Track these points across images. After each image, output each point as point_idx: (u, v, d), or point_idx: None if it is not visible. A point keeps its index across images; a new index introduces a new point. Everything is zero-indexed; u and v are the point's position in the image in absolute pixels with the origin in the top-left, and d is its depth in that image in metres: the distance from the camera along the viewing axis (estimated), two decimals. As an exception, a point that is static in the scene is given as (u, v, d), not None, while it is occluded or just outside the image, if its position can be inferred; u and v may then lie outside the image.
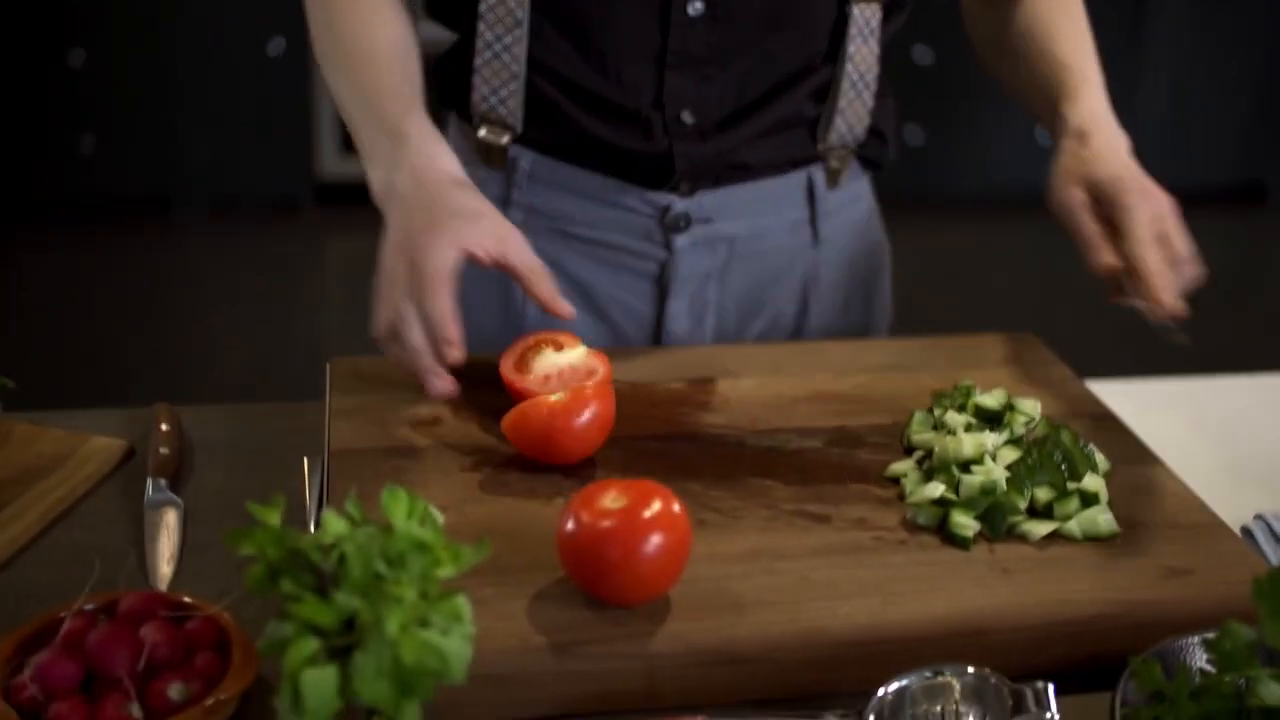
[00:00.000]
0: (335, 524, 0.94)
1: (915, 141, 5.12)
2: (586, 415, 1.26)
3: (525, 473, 1.28)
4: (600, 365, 1.37)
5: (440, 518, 0.99)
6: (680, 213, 1.58)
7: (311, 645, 0.91)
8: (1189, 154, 5.24)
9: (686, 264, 1.60)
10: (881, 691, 1.02)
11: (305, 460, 1.38)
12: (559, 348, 1.38)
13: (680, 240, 1.59)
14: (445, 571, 0.97)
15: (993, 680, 1.02)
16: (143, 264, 4.69)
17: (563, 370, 1.36)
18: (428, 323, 1.26)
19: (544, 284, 1.31)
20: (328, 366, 1.47)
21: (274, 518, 0.94)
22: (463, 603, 0.97)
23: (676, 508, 1.09)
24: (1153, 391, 1.64)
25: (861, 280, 1.74)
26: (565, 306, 1.31)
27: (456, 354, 1.26)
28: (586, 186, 1.59)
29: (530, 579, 1.13)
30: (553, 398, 1.26)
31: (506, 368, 1.36)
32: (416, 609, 0.93)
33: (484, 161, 1.60)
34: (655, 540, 1.06)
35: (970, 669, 1.03)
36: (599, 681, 1.07)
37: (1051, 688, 1.01)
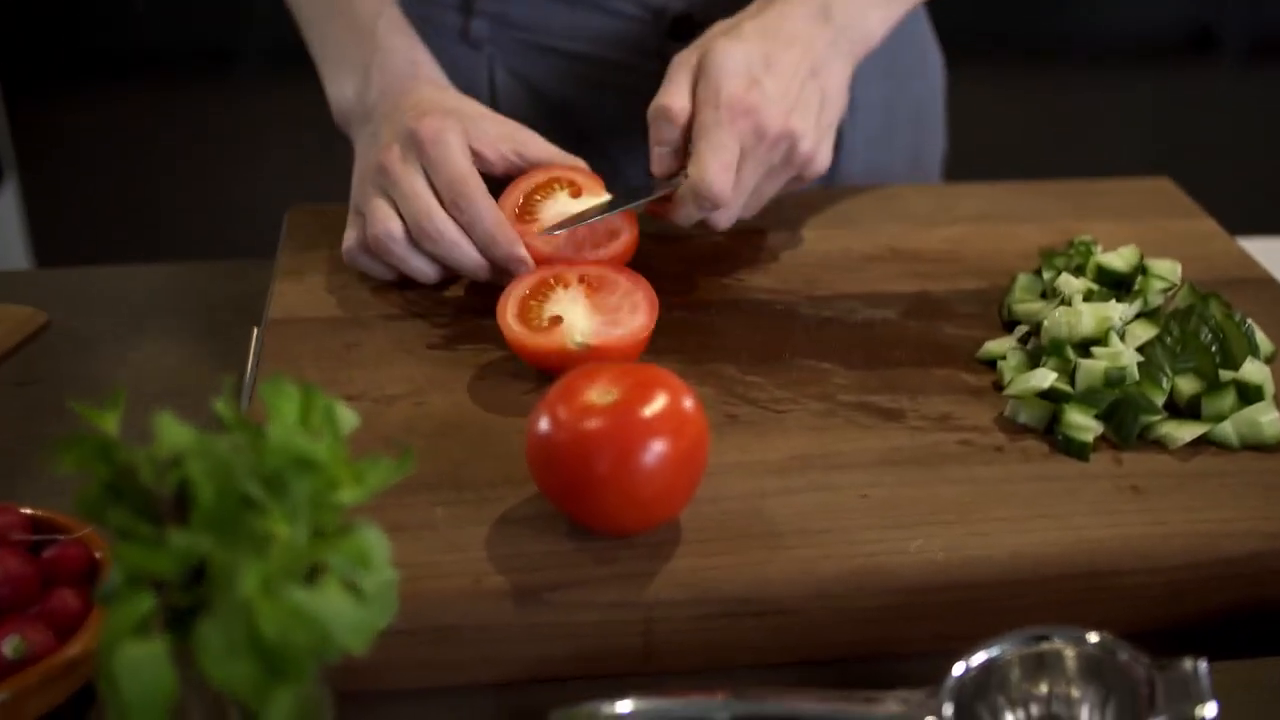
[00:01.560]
0: (173, 430, 0.66)
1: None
2: (618, 355, 0.97)
3: (511, 356, 1.00)
4: (626, 226, 1.08)
5: (354, 419, 0.72)
6: (680, 12, 1.28)
7: (140, 606, 0.64)
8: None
9: None
10: (962, 666, 0.72)
11: (255, 331, 1.09)
12: (576, 191, 1.09)
13: (679, 50, 1.27)
14: (347, 496, 0.70)
15: (1122, 654, 0.72)
16: (202, 121, 4.42)
17: (576, 228, 1.06)
18: (478, 239, 1.05)
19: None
20: (285, 217, 1.19)
21: (108, 422, 0.68)
22: (373, 539, 0.70)
23: (689, 403, 0.81)
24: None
25: (908, 100, 1.45)
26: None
27: (529, 266, 1.05)
28: None
29: (497, 496, 0.86)
30: (570, 344, 0.96)
31: (505, 210, 1.06)
32: (289, 554, 0.65)
33: None
34: (658, 447, 0.78)
35: (1091, 635, 0.73)
36: (579, 639, 0.80)
37: (1204, 666, 0.71)
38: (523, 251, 1.02)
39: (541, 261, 1.03)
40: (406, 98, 1.09)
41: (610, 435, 0.79)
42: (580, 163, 1.10)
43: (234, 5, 4.61)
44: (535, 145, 1.09)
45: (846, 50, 1.12)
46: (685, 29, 1.27)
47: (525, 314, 0.98)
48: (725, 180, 1.03)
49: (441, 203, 1.04)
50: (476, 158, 1.06)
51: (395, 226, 1.04)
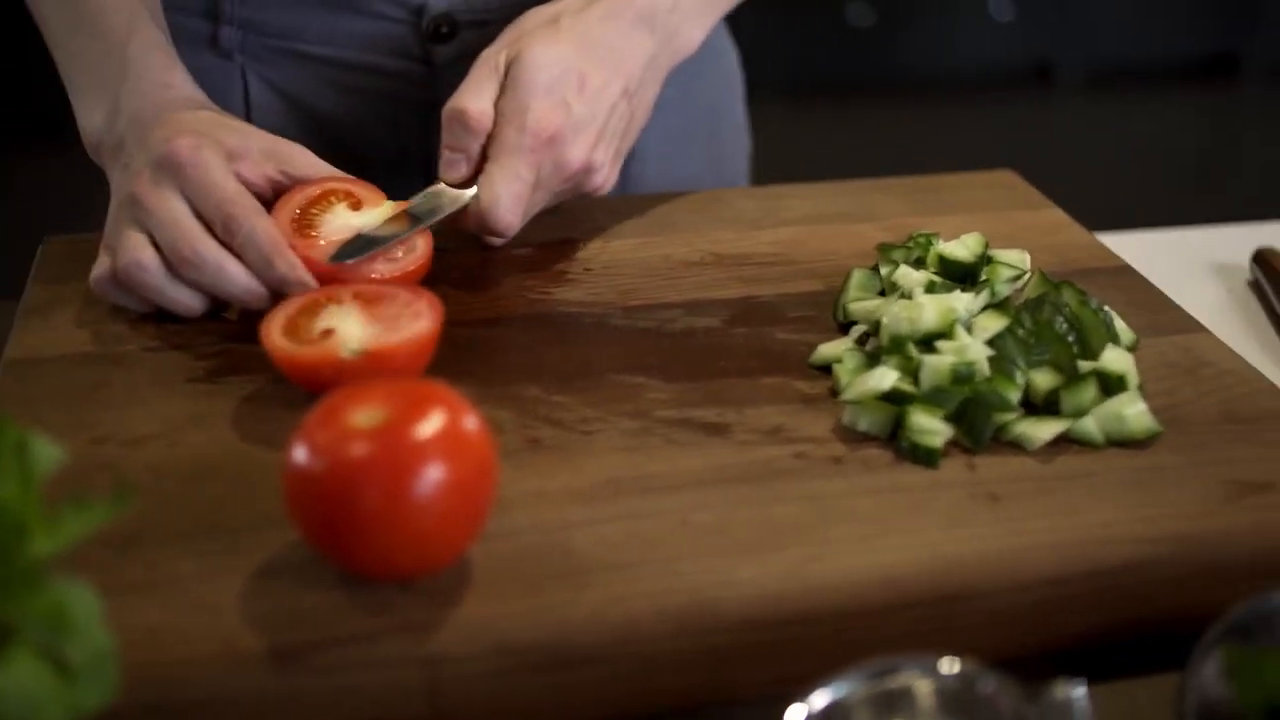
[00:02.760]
0: None
1: (864, 22, 4.71)
2: (398, 363, 0.85)
3: (284, 381, 0.87)
4: (420, 238, 0.96)
5: (55, 454, 0.59)
6: (440, 13, 1.17)
7: None
8: (1154, 24, 4.85)
9: (455, 84, 1.18)
10: (801, 711, 0.61)
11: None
12: (355, 203, 0.97)
13: (444, 53, 1.18)
14: (40, 547, 0.57)
15: (984, 685, 0.61)
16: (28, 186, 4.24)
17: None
18: (253, 261, 0.92)
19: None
20: (39, 249, 1.06)
21: None
22: (75, 597, 0.57)
23: (470, 422, 0.69)
24: (1163, 244, 1.22)
25: (702, 99, 1.35)
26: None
27: (310, 286, 0.92)
28: None
29: (257, 544, 0.73)
30: (343, 353, 0.83)
31: (280, 228, 0.93)
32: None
33: None
34: (434, 474, 0.66)
35: (946, 661, 0.62)
36: (353, 706, 0.68)
37: (1081, 691, 0.60)
38: (304, 273, 0.90)
39: (325, 281, 0.91)
40: (158, 122, 0.97)
41: (377, 462, 0.66)
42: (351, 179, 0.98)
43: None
44: (302, 161, 0.97)
45: (665, 64, 1.04)
46: (447, 30, 1.16)
47: (293, 330, 0.85)
48: (516, 213, 0.97)
49: (208, 227, 0.91)
50: (243, 180, 0.94)
51: (148, 255, 0.92)
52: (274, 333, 0.85)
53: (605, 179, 1.01)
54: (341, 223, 0.95)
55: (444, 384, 0.71)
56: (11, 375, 0.89)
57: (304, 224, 0.94)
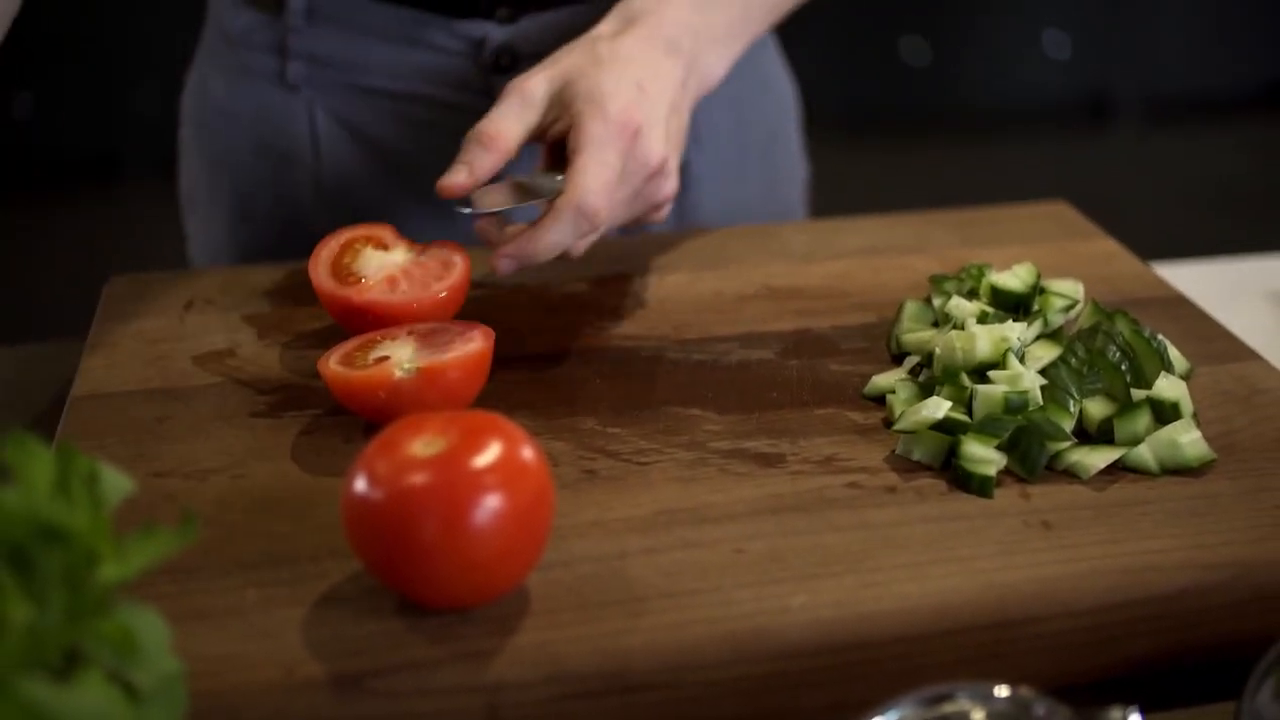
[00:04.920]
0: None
1: (920, 59, 4.71)
2: (451, 380, 0.86)
3: (343, 416, 0.89)
4: (457, 257, 0.97)
5: (125, 485, 0.60)
6: (500, 45, 1.19)
7: None
8: (1209, 56, 4.82)
9: None
10: (856, 735, 0.61)
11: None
12: (381, 245, 0.98)
13: (505, 84, 1.17)
14: (109, 574, 0.58)
15: (1038, 709, 0.61)
16: (91, 228, 4.28)
17: (407, 269, 0.96)
18: None
19: None
20: (103, 289, 1.08)
21: None
22: (143, 621, 0.58)
23: (528, 451, 0.70)
24: (1218, 274, 1.22)
25: (757, 127, 1.35)
26: None
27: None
28: (379, 21, 1.20)
29: (319, 573, 0.74)
30: (397, 373, 0.85)
31: (322, 278, 0.95)
32: (30, 640, 0.54)
33: (248, 1, 1.21)
34: (492, 503, 0.67)
35: (1001, 688, 0.62)
36: (412, 731, 0.67)
37: (1137, 716, 0.60)
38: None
39: (374, 316, 0.92)
40: None
41: (436, 491, 0.68)
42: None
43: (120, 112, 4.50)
44: None
45: (693, 90, 1.04)
46: (508, 61, 1.17)
47: (349, 362, 0.87)
48: (605, 198, 0.93)
49: None
50: None
51: None
52: (330, 362, 0.86)
53: (673, 189, 1.00)
54: (377, 263, 0.96)
55: (501, 415, 0.72)
56: (77, 411, 0.90)
57: (343, 273, 0.96)
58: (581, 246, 0.96)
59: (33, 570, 0.56)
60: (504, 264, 0.93)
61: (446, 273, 0.95)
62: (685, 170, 1.27)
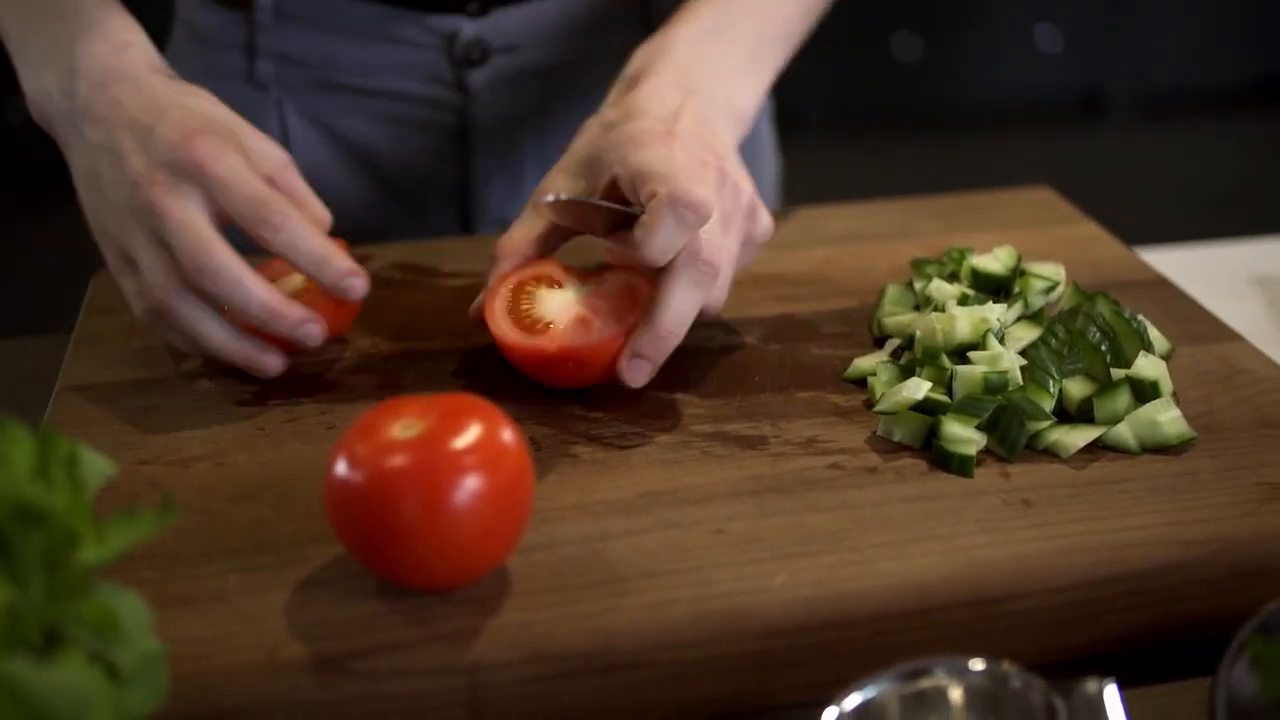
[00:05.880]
0: None
1: (911, 55, 4.71)
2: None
3: (327, 403, 0.89)
4: (640, 281, 0.90)
5: (105, 467, 0.60)
6: (471, 39, 1.18)
7: None
8: (1201, 51, 4.83)
9: (489, 109, 1.19)
10: (834, 713, 0.62)
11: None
12: (554, 283, 0.92)
13: (477, 78, 1.20)
14: (89, 555, 0.58)
15: (1014, 682, 0.62)
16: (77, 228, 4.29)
17: (592, 304, 0.90)
18: (221, 297, 0.87)
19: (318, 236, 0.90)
20: (91, 280, 1.08)
21: None
22: (122, 602, 0.58)
23: (507, 433, 0.70)
24: (1205, 260, 1.22)
25: None
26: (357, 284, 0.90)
27: (313, 327, 0.89)
28: (350, 18, 1.19)
29: (300, 558, 0.75)
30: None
31: (506, 331, 0.89)
32: (9, 620, 0.54)
33: (215, 0, 1.20)
34: (471, 483, 0.68)
35: (978, 662, 0.63)
36: (394, 714, 0.69)
37: (1112, 687, 0.61)
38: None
39: (566, 358, 0.88)
40: (114, 88, 0.91)
41: (416, 472, 0.68)
42: (318, 207, 0.95)
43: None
44: (295, 176, 0.94)
45: (723, 114, 0.97)
46: (479, 55, 1.17)
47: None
48: (706, 188, 0.84)
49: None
50: (219, 186, 0.88)
51: (167, 278, 0.88)
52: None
53: (771, 221, 0.94)
54: (557, 304, 0.90)
55: (481, 398, 0.72)
56: (64, 402, 0.91)
57: (525, 321, 0.89)
58: (718, 296, 0.91)
59: (12, 551, 0.57)
60: (634, 369, 0.87)
61: (633, 300, 0.89)
62: None
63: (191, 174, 0.86)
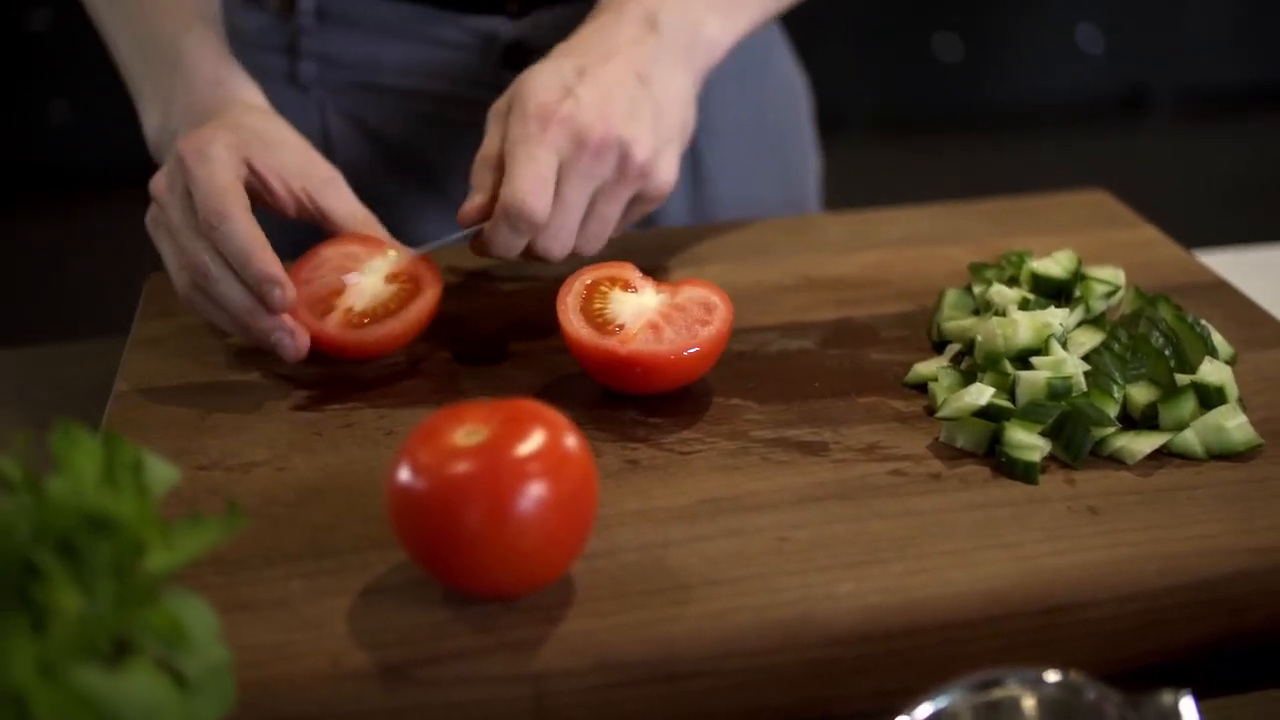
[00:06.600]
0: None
1: (952, 56, 4.69)
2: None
3: (385, 408, 0.89)
4: (716, 297, 0.91)
5: (170, 474, 0.60)
6: (511, 40, 1.19)
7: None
8: (1244, 49, 4.79)
9: None
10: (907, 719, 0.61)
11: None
12: (628, 286, 0.92)
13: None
14: (156, 562, 0.58)
15: (1089, 693, 0.61)
16: (122, 235, 4.29)
17: (666, 314, 0.90)
18: (231, 260, 0.90)
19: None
20: (144, 285, 1.08)
21: None
22: (190, 610, 0.58)
23: (571, 440, 0.69)
24: (1260, 262, 1.21)
25: (772, 120, 1.35)
26: None
27: (288, 293, 0.89)
28: (390, 19, 1.20)
29: (362, 564, 0.74)
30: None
31: (577, 328, 0.89)
32: (78, 629, 0.54)
33: (259, 2, 1.21)
34: (536, 491, 0.67)
35: (1051, 673, 0.62)
36: (458, 720, 0.67)
37: (1188, 699, 0.60)
38: (277, 270, 0.89)
39: (635, 364, 0.87)
40: (205, 118, 0.97)
41: (480, 480, 0.67)
42: (375, 224, 0.98)
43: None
44: (333, 193, 0.97)
45: (682, 58, 0.99)
46: (518, 56, 1.17)
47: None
48: (540, 195, 0.90)
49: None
50: (264, 188, 0.95)
51: (179, 270, 0.93)
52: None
53: (652, 161, 0.94)
54: (632, 308, 0.90)
55: (543, 403, 0.72)
56: (121, 406, 0.91)
57: (597, 320, 0.89)
58: (555, 250, 0.94)
59: (81, 559, 0.56)
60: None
61: (709, 316, 0.89)
62: (702, 164, 1.27)
63: (180, 167, 0.91)
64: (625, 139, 0.92)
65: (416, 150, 1.24)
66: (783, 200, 1.34)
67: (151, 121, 1.01)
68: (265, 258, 0.88)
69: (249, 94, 1.00)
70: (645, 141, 0.93)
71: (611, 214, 0.95)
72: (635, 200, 0.96)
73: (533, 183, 0.90)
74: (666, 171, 0.96)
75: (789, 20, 1.26)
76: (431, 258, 0.96)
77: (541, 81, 0.93)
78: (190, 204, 0.91)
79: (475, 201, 0.94)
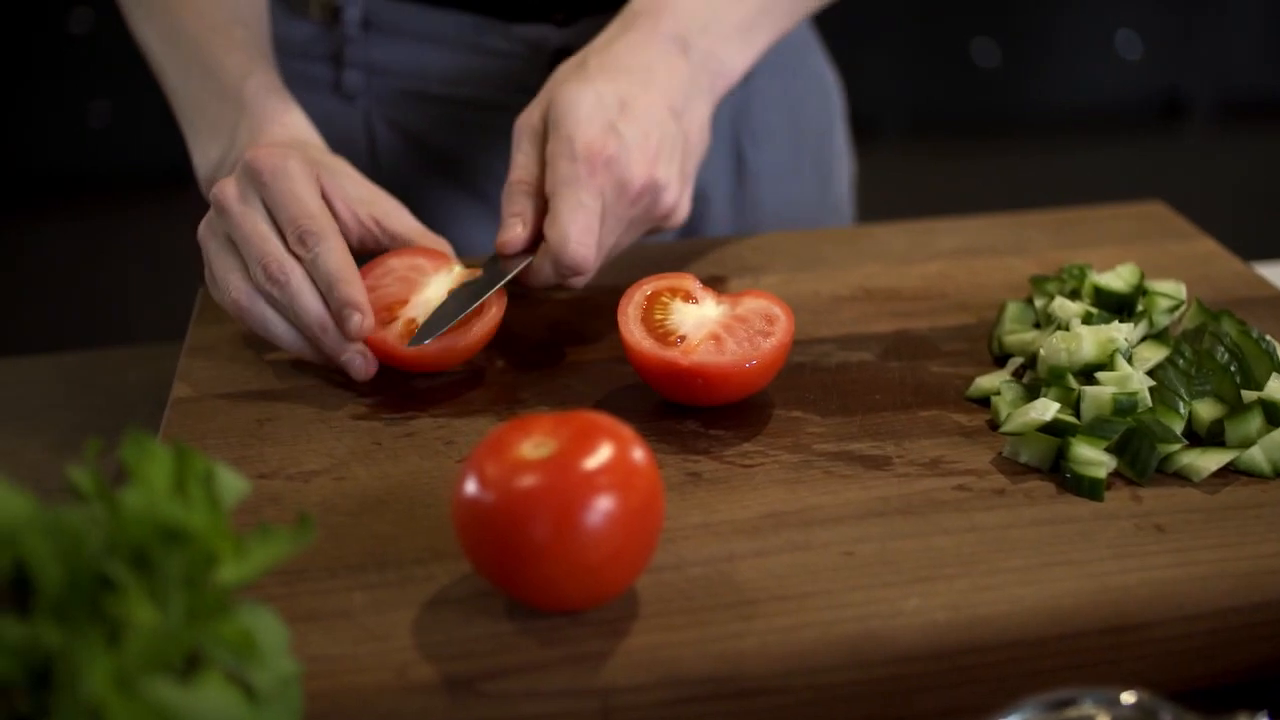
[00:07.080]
0: (11, 501, 0.55)
1: (990, 61, 4.68)
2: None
3: (444, 418, 0.88)
4: (777, 309, 0.90)
5: (241, 485, 0.60)
6: (558, 49, 1.18)
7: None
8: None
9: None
10: (977, 741, 0.61)
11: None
12: (689, 297, 0.91)
13: None
14: (228, 574, 0.58)
15: (1165, 713, 0.60)
16: (164, 238, 4.31)
17: (728, 325, 0.89)
18: (320, 281, 0.91)
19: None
20: (199, 293, 1.08)
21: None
22: (261, 622, 0.58)
23: (638, 453, 0.69)
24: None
25: (810, 125, 1.35)
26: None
27: (367, 323, 0.91)
28: (436, 28, 1.20)
29: (426, 575, 0.74)
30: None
31: (639, 339, 0.88)
32: (153, 642, 0.53)
33: (303, 12, 1.21)
34: (604, 504, 0.67)
35: (1127, 693, 0.61)
36: (524, 734, 0.67)
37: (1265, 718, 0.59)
38: (364, 299, 0.90)
39: (696, 375, 0.86)
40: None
41: (547, 493, 0.67)
42: (443, 243, 0.98)
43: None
44: (398, 217, 0.97)
45: (707, 86, 1.01)
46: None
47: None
48: (588, 244, 0.92)
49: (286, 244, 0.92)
50: (332, 211, 0.95)
51: (239, 279, 0.92)
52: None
53: (676, 202, 0.97)
54: (694, 319, 0.90)
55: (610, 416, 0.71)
56: (178, 413, 0.91)
57: (658, 330, 0.89)
58: (580, 283, 0.97)
59: (154, 572, 0.56)
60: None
61: (771, 327, 0.88)
62: (745, 165, 1.27)
63: (255, 180, 0.92)
64: (659, 184, 0.94)
65: (462, 157, 1.23)
66: (818, 202, 1.34)
67: (209, 155, 1.02)
68: (355, 284, 0.90)
69: (311, 134, 1.01)
70: (674, 186, 0.96)
71: (626, 244, 0.98)
72: (647, 232, 1.00)
73: (583, 233, 0.92)
74: (684, 211, 0.99)
75: (825, 26, 1.27)
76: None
77: (585, 113, 0.93)
78: (266, 215, 0.92)
79: (517, 232, 0.95)
